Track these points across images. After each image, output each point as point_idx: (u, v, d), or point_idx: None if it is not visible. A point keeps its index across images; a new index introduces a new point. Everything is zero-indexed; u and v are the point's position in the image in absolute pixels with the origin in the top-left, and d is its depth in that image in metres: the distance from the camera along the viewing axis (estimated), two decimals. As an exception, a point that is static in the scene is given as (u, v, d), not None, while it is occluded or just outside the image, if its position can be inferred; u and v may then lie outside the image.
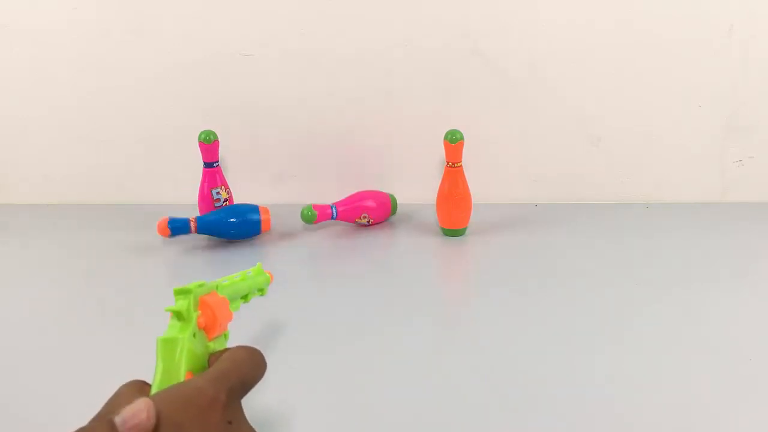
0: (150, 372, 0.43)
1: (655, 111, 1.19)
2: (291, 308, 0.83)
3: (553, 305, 0.84)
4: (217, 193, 1.08)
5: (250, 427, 0.40)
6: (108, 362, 0.72)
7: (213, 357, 0.45)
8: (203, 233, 1.02)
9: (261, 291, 0.63)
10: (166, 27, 1.18)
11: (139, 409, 0.33)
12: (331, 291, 0.90)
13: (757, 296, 0.86)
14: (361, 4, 1.15)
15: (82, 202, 1.26)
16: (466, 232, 1.08)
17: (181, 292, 0.47)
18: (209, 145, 1.06)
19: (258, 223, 1.05)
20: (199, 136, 1.06)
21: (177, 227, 0.99)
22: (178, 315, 0.45)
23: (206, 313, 0.48)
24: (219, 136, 1.07)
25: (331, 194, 1.25)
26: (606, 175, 1.23)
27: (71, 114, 1.23)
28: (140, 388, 0.41)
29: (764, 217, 1.15)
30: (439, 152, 1.08)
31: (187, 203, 1.12)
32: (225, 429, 0.37)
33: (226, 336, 0.51)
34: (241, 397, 0.41)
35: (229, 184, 1.11)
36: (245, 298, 0.59)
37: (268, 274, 0.64)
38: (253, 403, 0.55)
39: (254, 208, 1.05)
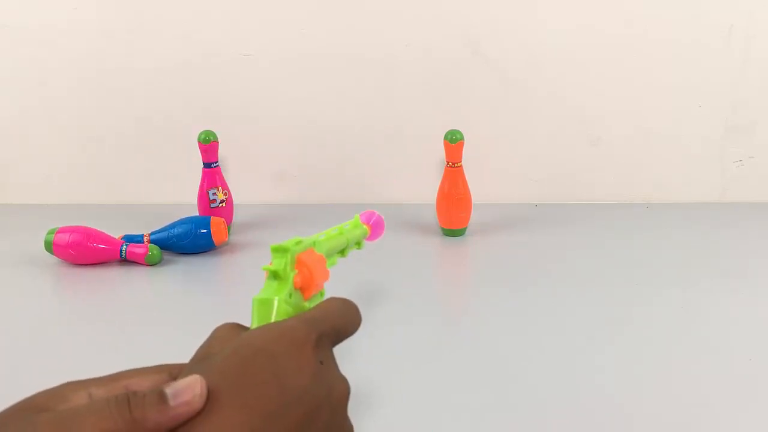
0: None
1: (655, 111, 1.19)
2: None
3: (553, 305, 0.84)
4: (213, 194, 1.08)
5: (341, 374, 0.39)
6: (109, 362, 0.72)
7: None
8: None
9: (358, 245, 0.59)
10: (166, 27, 1.18)
11: (192, 385, 0.32)
12: (329, 292, 0.90)
13: (757, 296, 0.86)
14: (362, 5, 1.15)
15: (82, 202, 1.26)
16: (466, 232, 1.08)
17: (279, 251, 0.44)
18: (207, 145, 1.06)
19: (208, 235, 1.00)
20: (198, 136, 1.06)
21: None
22: (274, 274, 0.43)
23: (303, 272, 0.45)
24: (219, 136, 1.07)
25: (331, 194, 1.26)
26: (606, 175, 1.23)
27: (71, 114, 1.23)
28: (237, 331, 0.41)
29: (764, 217, 1.15)
30: (439, 152, 1.08)
31: (187, 203, 1.12)
32: (316, 366, 0.36)
33: (321, 294, 0.49)
34: (333, 344, 0.40)
35: (229, 185, 1.11)
36: (342, 252, 0.56)
37: (366, 227, 0.61)
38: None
39: (205, 221, 1.01)
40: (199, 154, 1.07)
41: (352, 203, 1.24)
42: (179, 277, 0.96)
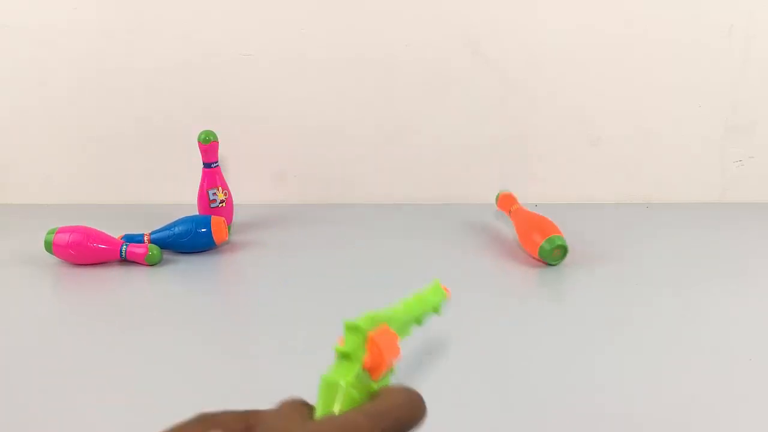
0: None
1: (655, 111, 1.19)
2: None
3: (552, 305, 0.84)
4: (213, 194, 1.08)
5: None
6: (109, 362, 0.72)
7: (372, 395, 0.44)
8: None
9: (436, 310, 0.59)
10: (166, 27, 1.18)
11: None
12: (331, 286, 0.90)
13: (757, 296, 0.86)
14: (362, 5, 1.15)
15: (82, 202, 1.26)
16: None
17: (352, 329, 0.45)
18: (207, 145, 1.06)
19: (208, 234, 1.00)
20: (198, 136, 1.06)
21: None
22: (344, 355, 0.44)
23: (373, 352, 0.45)
24: (219, 136, 1.07)
25: (331, 194, 1.26)
26: (606, 175, 1.23)
27: (71, 114, 1.23)
28: (302, 412, 0.41)
29: (764, 217, 1.15)
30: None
31: (187, 203, 1.12)
32: None
33: (391, 372, 0.49)
34: None
35: (229, 185, 1.11)
36: (418, 321, 0.56)
37: (445, 291, 0.60)
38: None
39: (205, 220, 1.01)
40: (199, 154, 1.07)
41: (353, 203, 1.25)
42: (179, 277, 0.96)
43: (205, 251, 1.03)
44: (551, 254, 0.93)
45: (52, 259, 0.99)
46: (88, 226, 0.98)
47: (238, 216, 1.14)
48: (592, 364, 0.71)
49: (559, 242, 0.93)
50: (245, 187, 1.20)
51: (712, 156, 1.22)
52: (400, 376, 0.65)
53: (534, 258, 0.96)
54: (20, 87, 1.22)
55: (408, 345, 0.50)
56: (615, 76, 1.17)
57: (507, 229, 1.11)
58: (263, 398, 0.65)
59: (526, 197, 1.23)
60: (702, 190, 1.23)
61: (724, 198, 1.23)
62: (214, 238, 1.00)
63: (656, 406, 0.63)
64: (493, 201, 1.17)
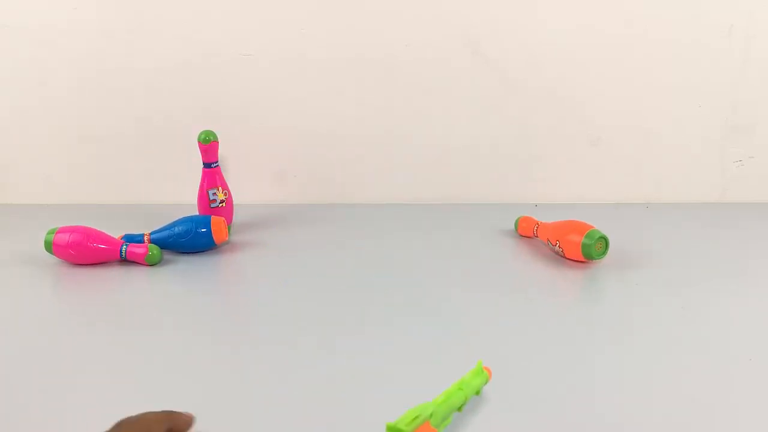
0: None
1: (655, 111, 1.20)
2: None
3: (553, 305, 0.84)
4: (213, 194, 1.08)
5: None
6: (109, 362, 0.72)
7: None
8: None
9: (478, 393, 0.60)
10: (166, 27, 1.18)
11: None
12: (327, 285, 0.90)
13: (757, 296, 0.86)
14: (362, 5, 1.15)
15: (82, 202, 1.26)
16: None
17: (394, 430, 0.47)
18: (207, 145, 1.06)
19: (208, 234, 1.00)
20: (198, 136, 1.06)
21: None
22: None
23: None
24: (219, 136, 1.07)
25: (331, 194, 1.26)
26: (606, 175, 1.23)
27: (71, 114, 1.23)
28: None
29: (764, 217, 1.15)
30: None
31: (187, 203, 1.12)
32: None
33: None
34: None
35: (229, 185, 1.11)
36: (460, 408, 0.57)
37: (486, 374, 0.61)
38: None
39: (205, 220, 1.01)
40: (199, 154, 1.07)
41: (352, 203, 1.25)
42: (179, 277, 0.96)
43: (205, 251, 1.03)
44: (594, 248, 0.93)
45: (52, 259, 0.99)
46: (88, 226, 0.98)
47: (238, 216, 1.14)
48: (591, 363, 0.71)
49: (599, 235, 0.93)
50: (245, 187, 1.20)
51: (712, 156, 1.22)
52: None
53: (579, 261, 0.96)
54: (20, 87, 1.22)
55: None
56: (615, 76, 1.18)
57: (506, 228, 1.11)
58: (263, 398, 0.65)
59: (526, 197, 1.23)
60: (702, 190, 1.23)
61: (724, 198, 1.23)
62: (214, 238, 1.00)
63: (655, 406, 0.63)
64: (494, 201, 1.17)
